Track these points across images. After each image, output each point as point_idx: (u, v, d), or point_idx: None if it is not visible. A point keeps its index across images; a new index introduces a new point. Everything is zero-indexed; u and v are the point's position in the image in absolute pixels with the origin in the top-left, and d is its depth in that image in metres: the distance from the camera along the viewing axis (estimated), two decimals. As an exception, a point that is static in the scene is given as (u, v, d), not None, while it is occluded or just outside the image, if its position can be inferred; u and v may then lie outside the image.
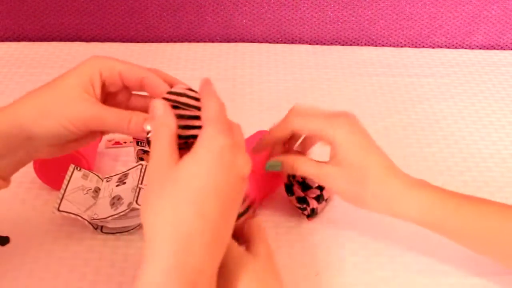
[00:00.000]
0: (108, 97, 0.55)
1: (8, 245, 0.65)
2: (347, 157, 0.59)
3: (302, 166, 0.61)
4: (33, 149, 0.53)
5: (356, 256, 0.66)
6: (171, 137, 0.47)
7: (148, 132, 0.50)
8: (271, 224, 0.69)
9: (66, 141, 0.53)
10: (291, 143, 0.65)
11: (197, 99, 0.50)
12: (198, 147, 0.46)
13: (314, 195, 0.68)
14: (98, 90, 0.52)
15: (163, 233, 0.43)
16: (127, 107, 0.56)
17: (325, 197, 0.69)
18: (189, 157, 0.45)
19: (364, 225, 0.69)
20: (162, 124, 0.47)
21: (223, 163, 0.45)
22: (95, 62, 0.52)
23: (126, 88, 0.55)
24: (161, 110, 0.48)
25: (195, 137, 0.48)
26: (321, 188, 0.68)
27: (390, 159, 0.60)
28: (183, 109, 0.49)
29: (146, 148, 0.51)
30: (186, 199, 0.44)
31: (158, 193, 0.45)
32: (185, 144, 0.48)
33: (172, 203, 0.44)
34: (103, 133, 0.56)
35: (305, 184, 0.68)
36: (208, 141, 0.46)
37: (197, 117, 0.49)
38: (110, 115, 0.51)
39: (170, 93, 0.50)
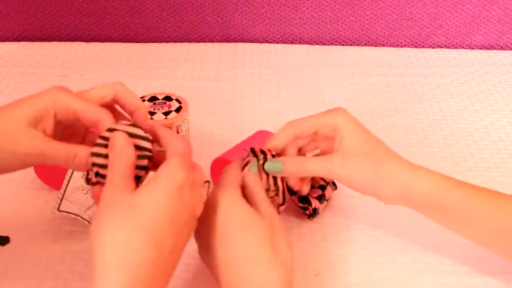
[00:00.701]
0: (66, 127, 0.55)
1: (8, 245, 0.65)
2: (355, 141, 0.57)
3: (310, 165, 0.58)
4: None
5: (356, 256, 0.66)
6: (129, 167, 0.47)
7: (92, 165, 0.50)
8: (271, 224, 0.69)
9: (14, 169, 0.52)
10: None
11: (145, 137, 0.51)
12: (160, 176, 0.46)
13: (316, 195, 0.68)
14: (49, 125, 0.52)
15: (113, 263, 0.42)
16: (85, 137, 0.57)
17: (327, 197, 0.69)
18: (149, 185, 0.46)
19: (364, 225, 0.70)
20: (122, 154, 0.48)
21: (181, 197, 0.46)
22: (49, 97, 0.52)
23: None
24: (122, 141, 0.48)
25: (146, 168, 0.49)
26: (323, 187, 0.68)
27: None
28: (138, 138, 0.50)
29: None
30: (141, 226, 0.43)
31: (111, 220, 0.44)
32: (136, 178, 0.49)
33: (126, 230, 0.43)
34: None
35: None
36: (172, 172, 0.46)
37: (149, 150, 0.50)
38: (54, 151, 0.50)
39: (112, 130, 0.50)
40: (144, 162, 0.49)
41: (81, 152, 0.50)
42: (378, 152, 0.58)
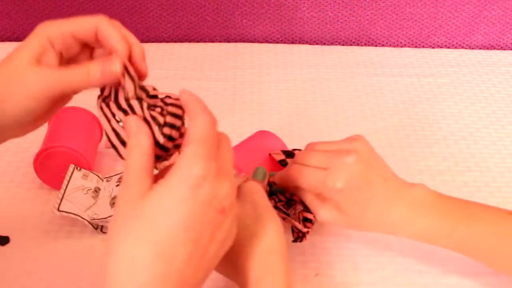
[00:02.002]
0: (70, 61, 0.52)
1: (8, 245, 0.65)
2: (346, 209, 0.59)
3: (304, 196, 0.61)
4: (8, 133, 0.50)
5: (356, 256, 0.66)
6: (143, 159, 0.42)
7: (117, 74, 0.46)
8: (271, 224, 0.69)
9: (34, 117, 0.50)
10: None
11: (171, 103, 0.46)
12: (172, 176, 0.40)
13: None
14: (51, 59, 0.49)
15: (122, 276, 0.39)
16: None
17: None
18: (159, 188, 0.40)
19: (364, 225, 0.70)
20: (134, 145, 0.43)
21: (197, 197, 0.40)
22: (41, 33, 0.49)
23: (86, 47, 0.52)
24: (134, 127, 0.43)
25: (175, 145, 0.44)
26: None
27: (390, 183, 0.59)
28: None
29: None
30: (147, 240, 0.39)
31: (120, 232, 0.40)
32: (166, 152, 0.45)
33: (131, 245, 0.40)
34: (69, 97, 0.52)
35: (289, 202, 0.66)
36: (184, 169, 0.40)
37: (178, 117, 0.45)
38: (66, 75, 0.48)
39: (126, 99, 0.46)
40: (175, 121, 0.44)
41: (93, 67, 0.47)
42: (363, 213, 0.59)
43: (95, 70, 0.47)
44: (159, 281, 0.39)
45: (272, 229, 0.50)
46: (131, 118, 0.44)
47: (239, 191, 0.52)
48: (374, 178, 0.58)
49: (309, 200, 0.61)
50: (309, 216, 0.62)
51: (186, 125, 0.45)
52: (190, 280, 0.41)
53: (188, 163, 0.40)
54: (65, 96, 0.51)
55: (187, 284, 0.41)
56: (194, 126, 0.42)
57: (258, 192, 0.53)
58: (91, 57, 0.53)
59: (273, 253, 0.49)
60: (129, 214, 0.40)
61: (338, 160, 0.58)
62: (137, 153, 0.42)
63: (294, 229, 0.63)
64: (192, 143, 0.41)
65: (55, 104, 0.50)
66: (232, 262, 0.49)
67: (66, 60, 0.51)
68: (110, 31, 0.49)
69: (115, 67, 0.47)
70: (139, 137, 0.43)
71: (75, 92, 0.50)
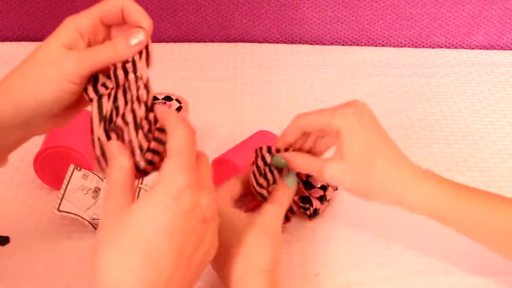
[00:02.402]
0: None
1: (8, 245, 0.65)
2: (352, 150, 0.56)
3: (305, 163, 0.59)
4: (32, 125, 0.51)
5: (356, 256, 0.66)
6: (125, 177, 0.44)
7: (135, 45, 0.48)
8: (271, 224, 0.69)
9: (64, 108, 0.51)
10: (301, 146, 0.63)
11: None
12: (156, 188, 0.42)
13: (317, 195, 0.68)
14: (82, 45, 0.50)
15: (112, 280, 0.40)
16: None
17: (328, 198, 0.69)
18: (143, 199, 0.42)
19: (364, 225, 0.69)
20: (116, 166, 0.45)
21: (180, 207, 0.42)
22: (69, 23, 0.50)
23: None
24: (114, 151, 0.45)
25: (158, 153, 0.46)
26: (324, 188, 0.68)
27: (397, 149, 0.58)
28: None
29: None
30: (135, 247, 0.41)
31: (106, 243, 0.42)
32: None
33: (119, 253, 0.41)
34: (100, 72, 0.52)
35: (308, 183, 0.68)
36: (167, 180, 0.42)
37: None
38: (95, 51, 0.49)
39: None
40: (158, 147, 0.46)
41: (119, 39, 0.49)
42: (374, 165, 0.56)
43: (121, 42, 0.49)
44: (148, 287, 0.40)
45: (270, 251, 0.52)
46: (113, 143, 0.46)
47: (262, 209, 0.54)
48: (380, 129, 0.58)
49: (312, 160, 0.59)
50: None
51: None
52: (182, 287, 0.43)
53: (170, 175, 0.42)
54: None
55: None
56: (173, 139, 0.44)
57: (278, 219, 0.55)
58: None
59: (264, 274, 0.51)
60: (115, 224, 0.42)
61: (343, 105, 0.58)
62: (119, 171, 0.44)
63: (308, 207, 0.68)
64: (173, 156, 0.43)
65: (79, 102, 0.52)
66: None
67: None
68: (136, 8, 0.50)
69: (139, 36, 0.49)
70: (121, 159, 0.45)
71: (105, 67, 0.50)
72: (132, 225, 0.41)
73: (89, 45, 0.51)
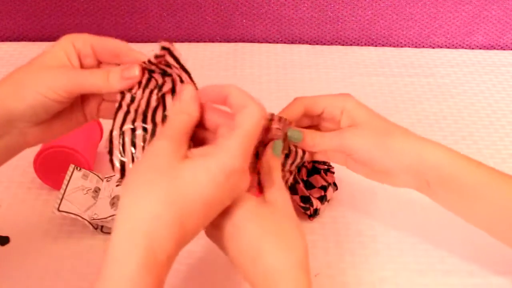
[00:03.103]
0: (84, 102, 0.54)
1: (8, 245, 0.65)
2: (365, 113, 0.57)
3: (322, 139, 0.57)
4: (17, 131, 0.51)
5: (356, 256, 0.66)
6: (188, 127, 0.46)
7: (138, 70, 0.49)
8: (271, 224, 0.69)
9: (50, 116, 0.51)
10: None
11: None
12: (212, 158, 0.43)
13: (317, 195, 0.68)
14: (75, 61, 0.51)
15: (145, 226, 0.41)
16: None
17: (328, 198, 0.69)
18: (198, 161, 0.43)
19: (364, 225, 0.70)
20: (185, 110, 0.46)
21: (227, 185, 0.44)
22: (67, 38, 0.52)
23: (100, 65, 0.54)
24: (189, 95, 0.47)
25: None
26: (324, 188, 0.68)
27: None
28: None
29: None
30: (176, 204, 0.42)
31: (150, 181, 0.43)
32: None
33: (160, 201, 0.42)
34: (87, 100, 0.54)
35: (308, 183, 0.68)
36: (227, 158, 0.43)
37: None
38: (86, 74, 0.50)
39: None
40: None
41: (113, 70, 0.50)
42: (388, 126, 0.57)
43: (115, 74, 0.50)
44: (174, 243, 0.42)
45: (303, 244, 0.50)
46: (191, 88, 0.48)
47: (271, 195, 0.52)
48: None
49: (335, 136, 0.58)
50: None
51: None
52: (188, 242, 0.44)
53: (231, 154, 0.43)
54: (80, 112, 0.53)
55: (185, 245, 0.44)
56: (247, 116, 0.45)
57: (287, 200, 0.53)
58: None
59: (302, 267, 0.48)
60: (162, 170, 0.43)
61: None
62: (185, 118, 0.46)
63: (308, 207, 0.67)
64: (241, 135, 0.44)
65: (69, 114, 0.52)
66: (254, 263, 0.48)
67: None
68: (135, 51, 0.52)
69: (134, 71, 0.49)
70: (192, 107, 0.46)
71: (91, 91, 0.51)
72: (178, 180, 0.42)
73: (80, 61, 0.52)
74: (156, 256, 0.41)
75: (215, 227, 0.49)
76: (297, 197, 0.67)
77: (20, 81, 0.49)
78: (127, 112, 0.49)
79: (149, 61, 0.49)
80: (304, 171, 0.69)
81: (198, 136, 0.49)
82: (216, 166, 0.43)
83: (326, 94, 0.60)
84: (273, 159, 0.55)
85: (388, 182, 0.59)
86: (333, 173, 0.70)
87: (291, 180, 0.59)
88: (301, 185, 0.67)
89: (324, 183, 0.69)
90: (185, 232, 0.43)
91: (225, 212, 0.48)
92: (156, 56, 0.49)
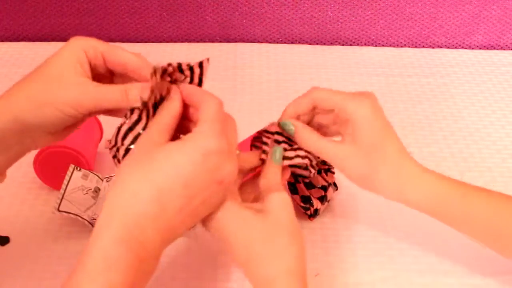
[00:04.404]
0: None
1: (8, 245, 0.65)
2: (365, 135, 0.56)
3: (316, 142, 0.58)
4: (30, 141, 0.52)
5: (356, 256, 0.66)
6: (170, 118, 0.48)
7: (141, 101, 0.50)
8: (271, 224, 0.69)
9: (65, 127, 0.52)
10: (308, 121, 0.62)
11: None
12: (188, 141, 0.46)
13: (318, 196, 0.68)
14: (87, 69, 0.52)
15: (122, 202, 0.44)
16: None
17: (328, 198, 0.69)
18: (175, 145, 0.46)
19: (364, 225, 0.70)
20: (167, 106, 0.49)
21: (205, 164, 0.45)
22: (78, 43, 0.52)
23: (110, 73, 0.54)
24: (175, 95, 0.50)
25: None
26: (325, 188, 0.68)
27: (401, 142, 0.59)
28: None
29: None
30: (153, 182, 0.44)
31: (132, 164, 0.46)
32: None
33: (138, 179, 0.45)
34: (103, 112, 0.54)
35: (309, 184, 0.68)
36: (200, 140, 0.46)
37: None
38: (107, 91, 0.50)
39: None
40: None
41: (132, 87, 0.50)
42: (378, 159, 0.57)
43: (134, 91, 0.50)
44: (151, 220, 0.44)
45: (294, 250, 0.50)
46: (175, 88, 0.50)
47: (267, 201, 0.52)
48: (388, 122, 0.59)
49: (321, 138, 0.58)
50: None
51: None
52: (174, 230, 0.46)
53: (205, 136, 0.46)
54: (93, 113, 0.53)
55: (170, 232, 0.46)
56: (207, 108, 0.48)
57: (288, 207, 0.53)
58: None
59: (293, 274, 0.49)
60: (142, 155, 0.46)
61: (360, 93, 0.59)
62: (168, 112, 0.48)
63: (308, 207, 0.67)
64: (208, 121, 0.47)
65: (82, 119, 0.53)
66: (249, 264, 0.50)
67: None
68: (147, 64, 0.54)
69: (147, 93, 0.50)
70: (175, 102, 0.49)
71: (109, 108, 0.51)
72: (156, 161, 0.45)
73: (91, 68, 0.52)
74: (130, 231, 0.43)
75: (210, 230, 0.51)
76: (297, 197, 0.67)
77: (39, 98, 0.49)
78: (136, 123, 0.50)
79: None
80: None
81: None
82: (190, 146, 0.46)
83: (341, 94, 0.58)
84: (272, 166, 0.56)
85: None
86: (333, 173, 0.70)
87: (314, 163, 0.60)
88: (302, 184, 0.67)
89: (325, 183, 0.69)
90: (165, 212, 0.45)
91: (215, 220, 0.50)
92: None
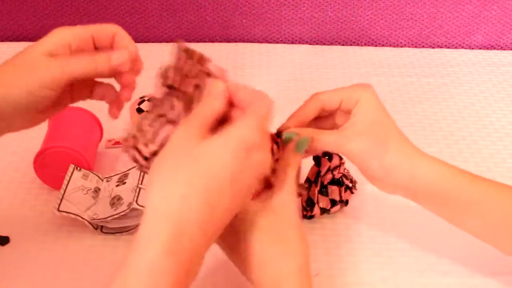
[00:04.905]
0: (73, 87, 0.55)
1: (8, 245, 0.65)
2: (371, 115, 0.56)
3: (321, 136, 0.57)
4: (4, 125, 0.52)
5: (356, 256, 0.66)
6: (212, 113, 0.45)
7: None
8: (271, 224, 0.69)
9: (41, 110, 0.52)
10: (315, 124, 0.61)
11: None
12: (232, 133, 0.44)
13: (323, 205, 0.67)
14: (67, 54, 0.52)
15: (167, 210, 0.41)
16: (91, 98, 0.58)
17: (331, 212, 0.69)
18: (218, 139, 0.43)
19: (364, 225, 0.70)
20: (212, 101, 0.46)
21: (248, 158, 0.43)
22: (59, 32, 0.53)
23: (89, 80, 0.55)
24: (219, 89, 0.47)
25: None
26: (334, 203, 0.68)
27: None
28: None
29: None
30: (201, 184, 0.42)
31: (174, 165, 0.42)
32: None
33: (185, 182, 0.42)
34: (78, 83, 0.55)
35: (324, 189, 0.67)
36: (245, 132, 0.44)
37: None
38: (75, 60, 0.51)
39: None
40: None
41: (100, 54, 0.51)
42: (387, 136, 0.56)
43: (103, 58, 0.51)
44: (201, 224, 0.41)
45: (304, 249, 0.50)
46: (220, 81, 0.48)
47: (270, 200, 0.52)
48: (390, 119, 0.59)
49: (333, 138, 0.57)
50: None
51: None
52: (219, 231, 0.44)
53: (249, 130, 0.44)
54: (67, 98, 0.53)
55: (215, 235, 0.44)
56: (259, 103, 0.47)
57: (292, 206, 0.52)
58: (91, 91, 0.58)
59: (303, 273, 0.49)
60: (184, 155, 0.43)
61: (361, 83, 0.59)
62: (209, 107, 0.46)
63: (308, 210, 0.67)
64: (256, 116, 0.45)
65: (63, 96, 0.53)
66: (253, 265, 0.49)
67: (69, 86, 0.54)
68: (126, 35, 0.55)
69: (123, 55, 0.52)
70: (218, 99, 0.46)
71: (83, 78, 0.52)
72: (201, 161, 0.42)
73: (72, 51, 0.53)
74: (180, 241, 0.40)
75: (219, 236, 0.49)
76: (305, 195, 0.67)
77: (8, 82, 0.50)
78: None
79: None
80: (329, 177, 0.67)
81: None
82: (235, 140, 0.43)
83: (342, 87, 0.59)
84: (294, 155, 0.55)
85: (376, 186, 0.59)
86: (353, 193, 0.70)
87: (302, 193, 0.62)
88: (317, 187, 0.66)
89: (337, 199, 0.68)
90: (214, 214, 0.42)
91: (228, 224, 0.47)
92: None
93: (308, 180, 0.67)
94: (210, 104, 0.46)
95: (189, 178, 0.42)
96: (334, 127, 0.60)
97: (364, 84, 0.59)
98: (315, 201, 0.67)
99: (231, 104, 0.48)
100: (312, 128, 0.59)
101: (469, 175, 0.57)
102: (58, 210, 0.65)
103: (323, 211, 0.68)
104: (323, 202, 0.67)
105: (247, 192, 0.46)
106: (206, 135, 0.44)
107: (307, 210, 0.67)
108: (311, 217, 0.68)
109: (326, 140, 0.57)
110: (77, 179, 0.69)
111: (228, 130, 0.44)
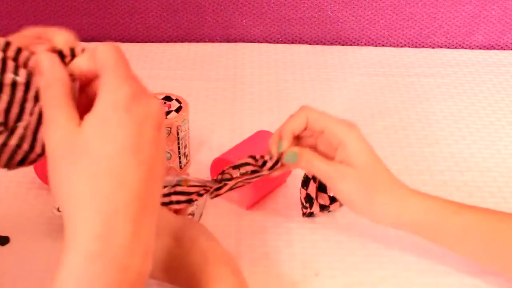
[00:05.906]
0: None
1: (8, 245, 0.65)
2: (360, 158, 0.58)
3: (317, 162, 0.59)
4: None
5: (356, 256, 0.66)
6: (65, 93, 0.40)
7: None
8: (271, 224, 0.69)
9: None
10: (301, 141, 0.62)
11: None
12: (101, 105, 0.38)
13: (323, 202, 0.68)
14: None
15: (83, 210, 0.38)
16: None
17: (330, 209, 0.69)
18: (92, 118, 0.38)
19: (364, 225, 0.69)
20: (54, 80, 0.40)
21: (133, 117, 0.38)
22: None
23: None
24: (48, 63, 0.40)
25: None
26: (333, 199, 0.68)
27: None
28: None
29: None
30: (102, 171, 0.37)
31: (71, 160, 0.38)
32: None
33: (86, 180, 0.38)
34: None
35: (323, 186, 0.67)
36: (112, 94, 0.38)
37: None
38: None
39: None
40: None
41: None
42: (377, 180, 0.59)
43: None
44: (123, 209, 0.38)
45: (225, 283, 0.51)
46: (45, 53, 0.41)
47: (182, 235, 0.53)
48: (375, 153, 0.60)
49: (327, 170, 0.59)
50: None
51: None
52: (148, 205, 0.40)
53: (112, 87, 0.38)
54: None
55: (146, 209, 0.39)
56: (101, 55, 0.39)
57: (204, 236, 0.54)
58: None
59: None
60: (70, 152, 0.38)
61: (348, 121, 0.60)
62: (59, 88, 0.40)
63: (307, 207, 0.68)
64: (108, 69, 0.39)
65: None
66: None
67: None
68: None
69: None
70: (58, 71, 0.40)
71: None
72: (90, 148, 0.38)
73: None
74: (111, 237, 0.38)
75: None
76: (304, 192, 0.67)
77: None
78: None
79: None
80: None
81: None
82: (110, 107, 0.38)
83: (331, 117, 0.59)
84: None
85: (366, 218, 0.61)
86: None
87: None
88: (316, 184, 0.67)
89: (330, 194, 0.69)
90: (132, 191, 0.38)
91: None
92: None
93: (306, 177, 0.67)
94: (51, 85, 0.40)
95: (88, 167, 0.38)
96: (313, 147, 0.61)
97: (350, 123, 0.59)
98: (314, 198, 0.67)
99: (90, 79, 0.42)
100: (307, 148, 0.60)
101: (454, 205, 0.59)
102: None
103: (323, 208, 0.68)
104: (322, 199, 0.68)
105: (156, 151, 0.40)
106: (77, 120, 0.39)
107: (306, 207, 0.67)
108: (311, 214, 0.68)
109: (320, 168, 0.59)
110: (77, 179, 0.69)
111: (97, 103, 0.38)
